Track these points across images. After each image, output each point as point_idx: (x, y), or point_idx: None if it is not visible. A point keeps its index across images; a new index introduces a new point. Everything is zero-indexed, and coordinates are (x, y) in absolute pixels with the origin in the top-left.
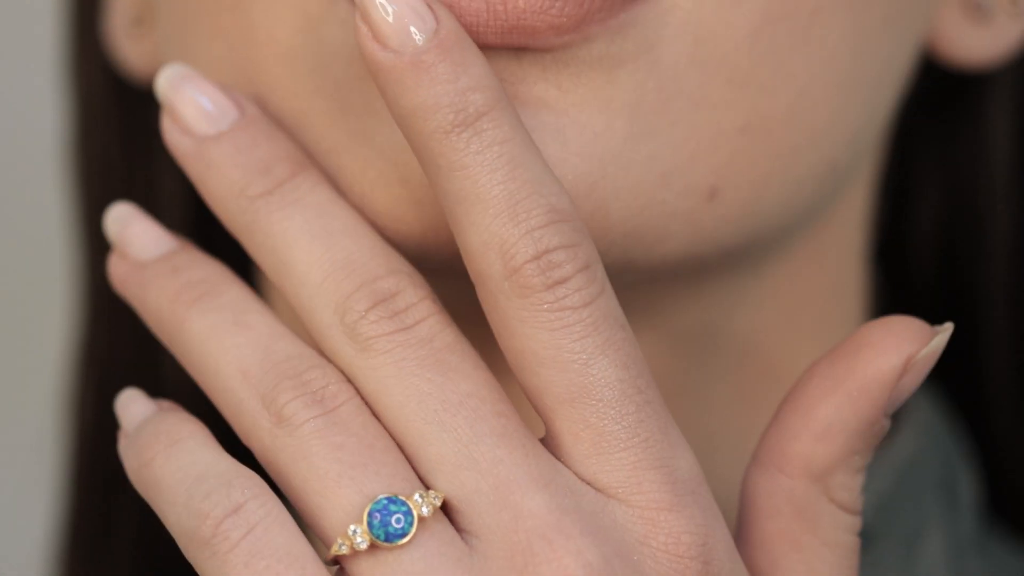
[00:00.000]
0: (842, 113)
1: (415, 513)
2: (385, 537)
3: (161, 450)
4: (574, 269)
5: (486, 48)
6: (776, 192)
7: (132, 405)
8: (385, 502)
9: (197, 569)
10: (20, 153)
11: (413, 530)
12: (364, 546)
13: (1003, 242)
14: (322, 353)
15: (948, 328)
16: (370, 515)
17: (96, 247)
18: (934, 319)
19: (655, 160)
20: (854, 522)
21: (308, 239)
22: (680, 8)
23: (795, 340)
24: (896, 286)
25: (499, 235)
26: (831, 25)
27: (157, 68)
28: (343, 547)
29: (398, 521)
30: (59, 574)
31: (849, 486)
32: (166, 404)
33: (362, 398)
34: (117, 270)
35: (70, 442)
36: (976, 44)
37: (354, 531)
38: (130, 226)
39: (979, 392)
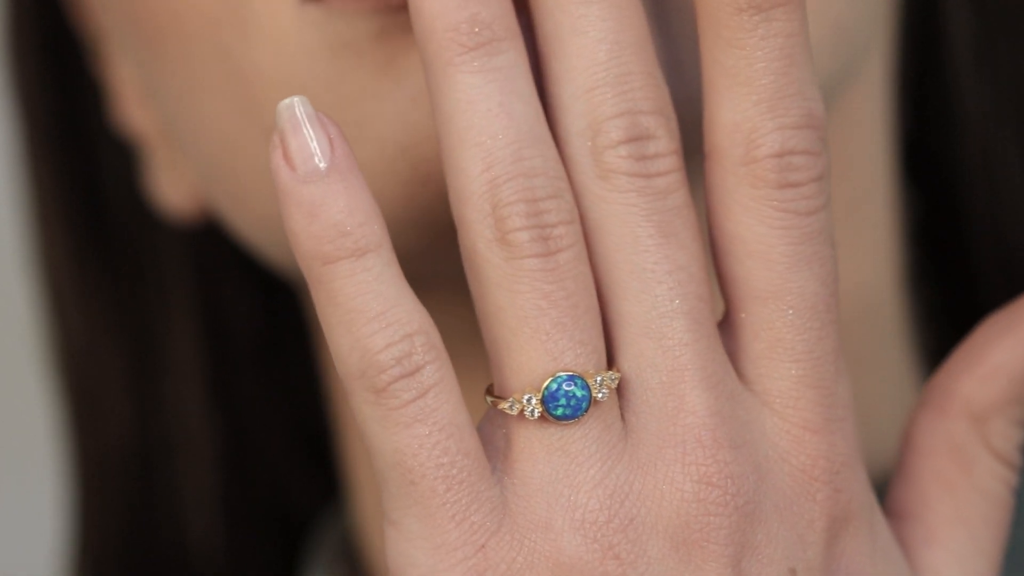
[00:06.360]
0: None
1: (592, 396)
2: (559, 416)
3: (345, 257)
4: (809, 177)
5: None
6: None
7: (296, 133)
8: (565, 379)
9: (350, 400)
10: None
11: (584, 414)
12: (535, 416)
13: None
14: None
15: None
16: (548, 389)
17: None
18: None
19: None
20: (1009, 475)
21: (595, 43)
22: None
23: None
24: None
25: (753, 120)
26: None
27: (198, 199)
28: (514, 408)
29: (576, 398)
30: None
31: (1007, 435)
32: (338, 143)
33: (583, 226)
34: None
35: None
36: None
37: (529, 399)
38: None
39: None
